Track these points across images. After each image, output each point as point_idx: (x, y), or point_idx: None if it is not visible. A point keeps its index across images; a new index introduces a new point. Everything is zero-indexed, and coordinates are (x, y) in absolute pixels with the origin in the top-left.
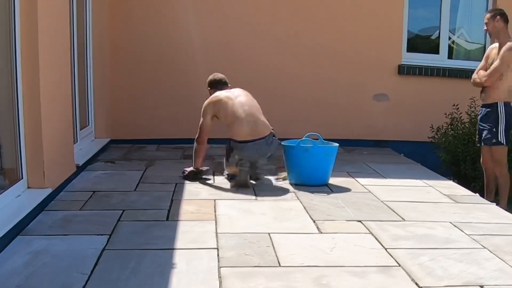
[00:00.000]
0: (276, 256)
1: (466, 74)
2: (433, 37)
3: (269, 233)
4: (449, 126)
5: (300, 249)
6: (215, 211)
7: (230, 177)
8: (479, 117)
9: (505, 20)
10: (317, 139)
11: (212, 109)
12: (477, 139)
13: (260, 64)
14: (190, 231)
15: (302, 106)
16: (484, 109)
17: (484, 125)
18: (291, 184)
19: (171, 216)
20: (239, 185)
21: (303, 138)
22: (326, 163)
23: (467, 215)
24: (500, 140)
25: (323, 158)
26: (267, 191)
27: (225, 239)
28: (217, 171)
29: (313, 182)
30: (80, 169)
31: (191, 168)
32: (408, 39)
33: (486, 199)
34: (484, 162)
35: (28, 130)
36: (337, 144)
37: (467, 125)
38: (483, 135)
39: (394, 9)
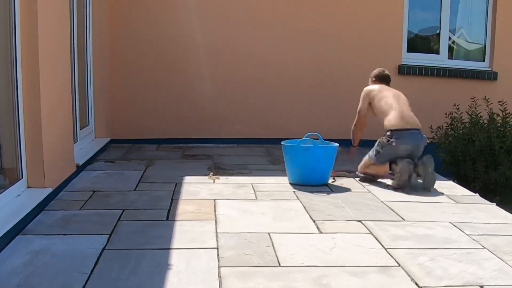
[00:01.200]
0: (276, 256)
1: (466, 74)
2: (433, 37)
3: (269, 233)
4: (449, 126)
5: (300, 249)
6: (215, 211)
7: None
8: None
9: None
10: (317, 139)
11: (368, 96)
12: None
13: (260, 65)
14: (189, 231)
15: (302, 105)
16: None
17: None
18: (290, 184)
19: (171, 215)
20: (398, 186)
21: (304, 138)
22: (326, 163)
23: (466, 215)
24: None
25: (323, 158)
26: (267, 191)
27: (224, 239)
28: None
29: (312, 182)
30: (80, 168)
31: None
32: (408, 39)
33: None
34: None
35: (28, 130)
36: (337, 144)
37: (467, 125)
38: None
39: (394, 9)
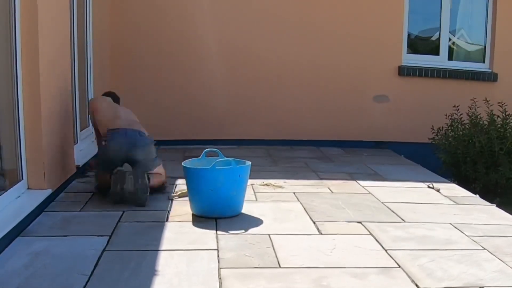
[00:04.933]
0: (276, 257)
1: (466, 75)
2: (433, 38)
3: (269, 234)
4: (449, 128)
5: (300, 250)
6: None
7: (98, 189)
8: None
9: None
10: (217, 155)
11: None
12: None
13: (260, 66)
14: (190, 232)
15: (302, 107)
16: None
17: None
18: (195, 215)
19: (171, 217)
20: (113, 195)
21: (203, 156)
22: (242, 186)
23: (467, 216)
24: None
25: (238, 179)
26: (267, 192)
27: (225, 240)
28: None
29: (230, 213)
30: (80, 170)
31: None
32: (408, 41)
33: None
34: None
35: (28, 131)
36: (249, 162)
37: (467, 127)
38: None
39: (394, 10)
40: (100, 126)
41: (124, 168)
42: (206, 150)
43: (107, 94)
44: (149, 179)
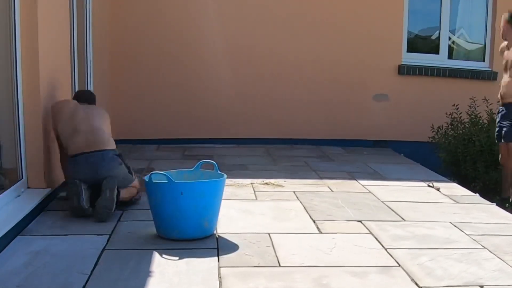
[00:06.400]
0: (276, 256)
1: (466, 74)
2: (433, 37)
3: (269, 233)
4: (449, 126)
5: (300, 249)
6: None
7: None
8: (499, 115)
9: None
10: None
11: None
12: (496, 137)
13: (260, 65)
14: None
15: (302, 106)
16: (503, 108)
17: (504, 123)
18: (161, 237)
19: None
20: (72, 210)
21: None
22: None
23: (467, 215)
24: None
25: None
26: (267, 191)
27: (225, 239)
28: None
29: (204, 233)
30: None
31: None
32: (408, 39)
33: (504, 196)
34: (503, 159)
35: (28, 130)
36: (224, 175)
37: (467, 125)
38: (503, 132)
39: (394, 9)
40: (60, 139)
41: (78, 182)
42: (201, 161)
43: (77, 94)
44: (118, 192)
